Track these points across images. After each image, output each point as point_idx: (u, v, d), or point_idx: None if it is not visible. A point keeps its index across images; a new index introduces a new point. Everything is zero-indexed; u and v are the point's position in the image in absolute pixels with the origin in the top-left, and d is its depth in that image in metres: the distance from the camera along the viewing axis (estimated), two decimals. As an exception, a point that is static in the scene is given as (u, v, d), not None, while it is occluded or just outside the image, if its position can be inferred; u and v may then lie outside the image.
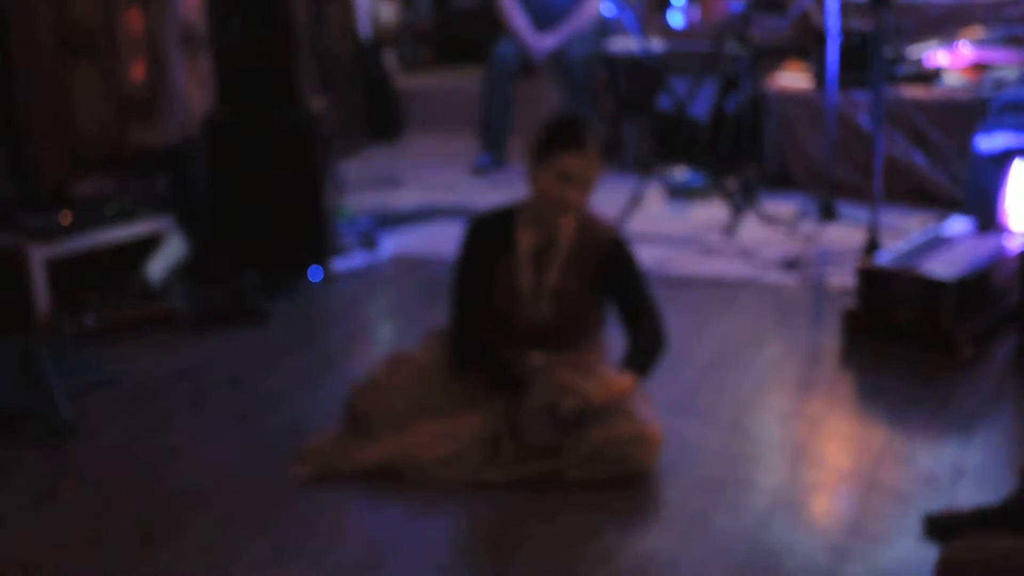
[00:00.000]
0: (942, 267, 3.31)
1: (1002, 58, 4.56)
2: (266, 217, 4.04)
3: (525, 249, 2.78)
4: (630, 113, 5.20)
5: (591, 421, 2.65)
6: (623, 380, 2.65)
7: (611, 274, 2.78)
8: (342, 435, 2.83)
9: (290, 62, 3.96)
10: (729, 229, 4.40)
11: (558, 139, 2.68)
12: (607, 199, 4.13)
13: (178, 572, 2.42)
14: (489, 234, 2.81)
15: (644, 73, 5.06)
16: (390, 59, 6.32)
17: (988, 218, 3.76)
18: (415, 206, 4.79)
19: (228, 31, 3.99)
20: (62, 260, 3.73)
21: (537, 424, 2.65)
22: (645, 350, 2.74)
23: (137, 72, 4.08)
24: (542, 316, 2.78)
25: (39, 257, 3.64)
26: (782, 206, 4.59)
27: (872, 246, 3.81)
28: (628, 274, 2.80)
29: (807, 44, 4.91)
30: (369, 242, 4.24)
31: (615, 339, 2.92)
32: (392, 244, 4.36)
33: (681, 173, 4.98)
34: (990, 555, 2.09)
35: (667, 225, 4.53)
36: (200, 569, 2.42)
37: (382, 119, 5.88)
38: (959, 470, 2.69)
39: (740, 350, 3.43)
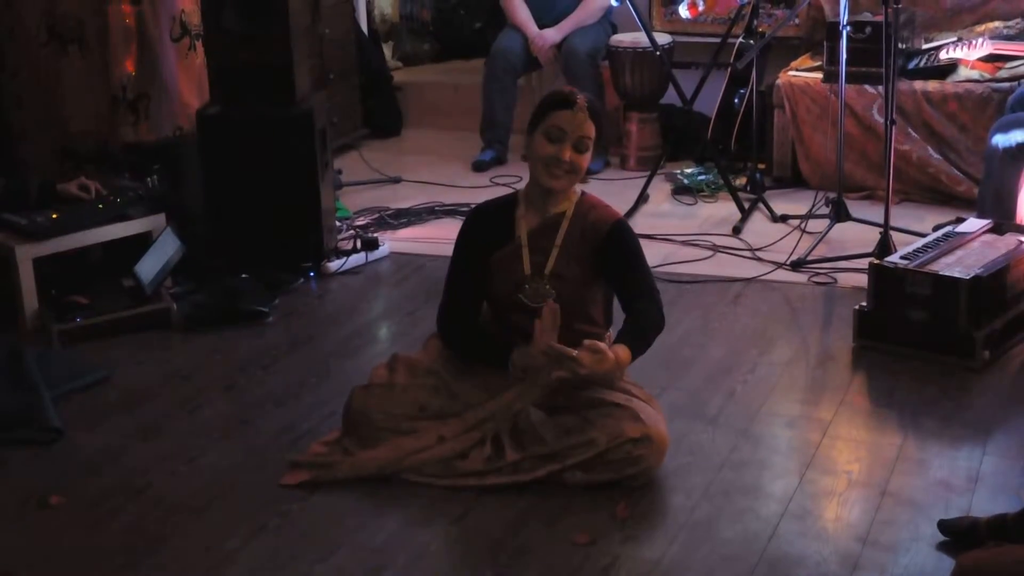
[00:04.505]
0: (957, 267, 3.26)
1: (1020, 51, 4.46)
2: (262, 215, 4.00)
3: (525, 232, 2.77)
4: (635, 108, 5.16)
5: (583, 390, 2.65)
6: (615, 351, 2.60)
7: (611, 257, 2.75)
8: (341, 439, 2.82)
9: (286, 56, 3.93)
10: (736, 227, 4.34)
11: (546, 103, 2.72)
12: (612, 196, 4.08)
13: (170, 580, 2.40)
14: (489, 222, 2.82)
15: (650, 67, 5.01)
16: (389, 53, 6.26)
17: (1005, 216, 3.71)
18: (414, 204, 4.73)
19: (222, 23, 3.95)
20: (50, 259, 3.69)
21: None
22: (640, 326, 2.70)
23: (128, 65, 4.02)
24: (543, 303, 2.73)
25: (26, 256, 3.60)
26: (791, 204, 4.53)
27: (884, 245, 3.77)
28: (628, 257, 2.76)
29: (817, 36, 4.84)
30: (367, 240, 4.18)
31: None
32: (391, 242, 4.31)
33: (687, 170, 4.92)
34: (1008, 565, 2.06)
35: (673, 223, 4.47)
36: (192, 577, 2.40)
37: (381, 114, 5.84)
38: (974, 477, 2.67)
39: (748, 351, 3.40)
